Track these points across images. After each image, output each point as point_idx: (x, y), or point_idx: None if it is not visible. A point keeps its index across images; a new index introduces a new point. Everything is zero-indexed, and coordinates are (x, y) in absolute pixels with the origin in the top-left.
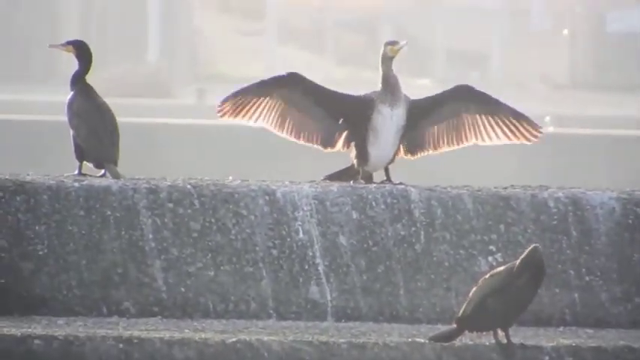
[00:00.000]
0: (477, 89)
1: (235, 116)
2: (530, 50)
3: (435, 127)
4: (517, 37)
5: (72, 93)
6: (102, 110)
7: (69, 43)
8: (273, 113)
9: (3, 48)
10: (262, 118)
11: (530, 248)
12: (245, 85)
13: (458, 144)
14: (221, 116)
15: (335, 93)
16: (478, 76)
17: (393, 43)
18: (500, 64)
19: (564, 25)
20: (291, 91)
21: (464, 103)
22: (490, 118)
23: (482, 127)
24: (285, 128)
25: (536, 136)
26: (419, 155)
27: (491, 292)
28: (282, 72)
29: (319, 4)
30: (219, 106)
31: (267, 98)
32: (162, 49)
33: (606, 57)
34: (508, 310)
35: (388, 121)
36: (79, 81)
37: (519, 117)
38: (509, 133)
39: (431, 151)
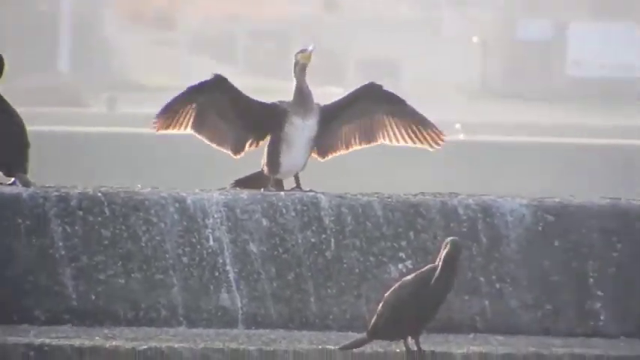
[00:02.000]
0: (386, 89)
1: (167, 128)
2: (443, 58)
3: (346, 126)
4: (429, 45)
5: None
6: (10, 119)
7: None
8: (196, 118)
9: None
10: (189, 125)
11: (449, 243)
12: (170, 96)
13: (367, 143)
14: (157, 130)
15: (251, 100)
16: (390, 85)
17: (303, 51)
18: (413, 73)
19: (475, 33)
20: (214, 95)
21: (373, 102)
22: (397, 120)
23: (389, 128)
24: (202, 131)
25: (438, 143)
26: (330, 156)
27: (403, 304)
28: (202, 76)
29: (232, 14)
30: (155, 121)
31: (194, 104)
32: (73, 59)
33: (516, 65)
34: (420, 319)
35: (300, 132)
36: None
37: (424, 123)
38: (414, 137)
39: (342, 151)
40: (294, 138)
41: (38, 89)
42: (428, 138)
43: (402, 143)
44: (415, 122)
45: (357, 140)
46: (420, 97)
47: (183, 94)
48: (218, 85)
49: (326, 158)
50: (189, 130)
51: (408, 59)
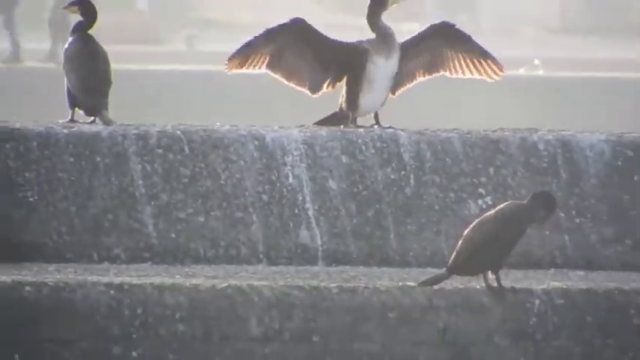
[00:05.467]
0: (455, 27)
1: (240, 68)
2: None
3: (413, 62)
4: None
5: (70, 40)
6: (95, 57)
7: (72, 3)
8: (273, 58)
9: None
10: (264, 65)
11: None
12: (250, 34)
13: (429, 74)
14: (228, 71)
15: (331, 40)
16: (467, 20)
17: None
18: (490, 7)
19: None
20: (292, 36)
21: (442, 39)
22: (459, 53)
23: (450, 61)
24: (279, 71)
25: (498, 75)
26: (399, 92)
27: (485, 240)
28: (283, 18)
29: None
30: (226, 62)
31: (271, 45)
32: None
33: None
34: (501, 255)
35: (382, 71)
36: (78, 30)
37: (485, 55)
38: (474, 69)
39: (408, 85)
40: (375, 77)
41: (117, 27)
42: (488, 69)
43: (460, 75)
44: (477, 55)
45: (421, 72)
46: (498, 32)
47: (260, 36)
48: (296, 27)
49: (396, 94)
50: (263, 70)
51: None
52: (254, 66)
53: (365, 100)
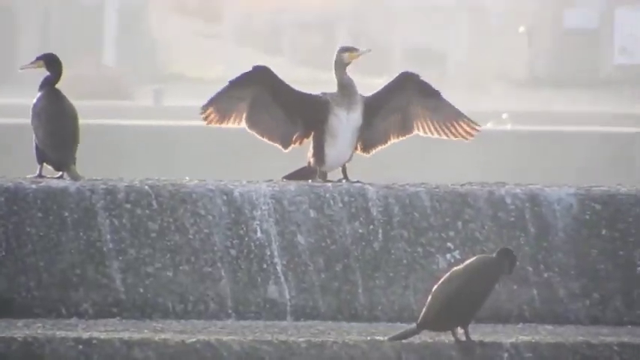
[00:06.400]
0: (422, 79)
1: (221, 122)
2: (489, 48)
3: (385, 120)
4: (475, 34)
5: (38, 95)
6: (63, 112)
7: (38, 58)
8: (246, 112)
9: None
10: (241, 120)
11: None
12: (218, 88)
13: (404, 135)
14: (207, 123)
15: (294, 91)
16: (436, 75)
17: (349, 49)
18: (459, 62)
19: (522, 23)
20: (259, 87)
21: (409, 94)
22: (432, 113)
23: (424, 121)
24: (253, 127)
25: (472, 134)
26: (373, 152)
27: (454, 295)
28: (249, 68)
29: (276, 5)
30: (202, 113)
31: (240, 98)
32: (119, 52)
33: (563, 54)
34: (471, 309)
35: (344, 124)
36: (46, 85)
37: (458, 116)
38: (448, 131)
39: (382, 146)
40: (338, 130)
41: (83, 81)
42: (461, 131)
43: (436, 136)
44: (450, 116)
45: (396, 133)
46: (467, 86)
47: (227, 87)
48: (261, 75)
49: (370, 154)
50: (242, 125)
51: (454, 48)
52: (231, 121)
53: (330, 154)
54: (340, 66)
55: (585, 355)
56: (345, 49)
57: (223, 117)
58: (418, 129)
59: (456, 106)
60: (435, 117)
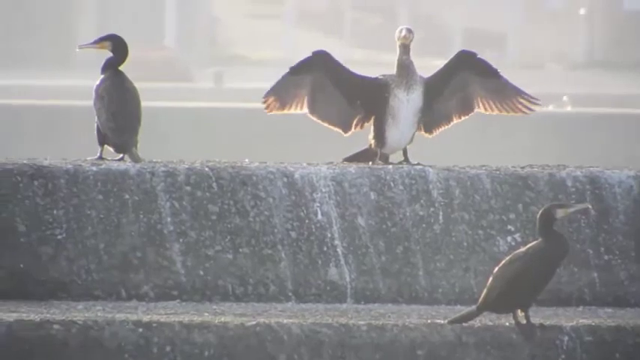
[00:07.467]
0: (479, 57)
1: (282, 110)
2: (548, 30)
3: (447, 102)
4: (534, 16)
5: (101, 77)
6: (126, 95)
7: (102, 39)
8: (306, 98)
9: (24, 35)
10: (301, 106)
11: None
12: (278, 70)
13: (466, 115)
14: (268, 112)
15: (354, 75)
16: (495, 56)
17: (407, 31)
18: (517, 44)
19: (580, 4)
20: (319, 73)
21: (468, 73)
22: (492, 92)
23: (484, 99)
24: (315, 113)
25: (532, 110)
26: (435, 132)
27: (516, 277)
28: (308, 52)
29: None
30: (264, 101)
31: (300, 85)
32: (179, 34)
33: (623, 36)
34: (531, 292)
35: (405, 105)
36: (110, 67)
37: (518, 92)
38: (508, 107)
39: (444, 126)
40: (398, 111)
41: (143, 63)
42: (521, 107)
43: (496, 112)
44: (510, 93)
45: (457, 113)
46: (526, 68)
47: (287, 75)
48: (319, 60)
49: (432, 135)
50: (304, 110)
51: (512, 30)
52: (293, 108)
53: (391, 136)
54: (399, 45)
55: None
56: (402, 30)
57: (284, 104)
58: (479, 107)
59: (514, 85)
60: (495, 94)
